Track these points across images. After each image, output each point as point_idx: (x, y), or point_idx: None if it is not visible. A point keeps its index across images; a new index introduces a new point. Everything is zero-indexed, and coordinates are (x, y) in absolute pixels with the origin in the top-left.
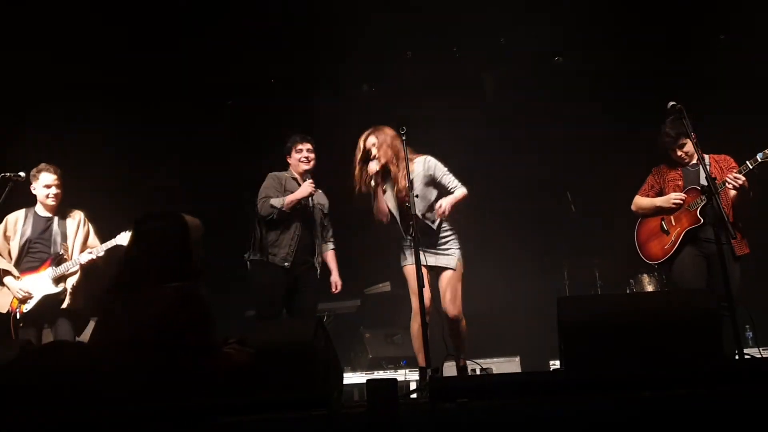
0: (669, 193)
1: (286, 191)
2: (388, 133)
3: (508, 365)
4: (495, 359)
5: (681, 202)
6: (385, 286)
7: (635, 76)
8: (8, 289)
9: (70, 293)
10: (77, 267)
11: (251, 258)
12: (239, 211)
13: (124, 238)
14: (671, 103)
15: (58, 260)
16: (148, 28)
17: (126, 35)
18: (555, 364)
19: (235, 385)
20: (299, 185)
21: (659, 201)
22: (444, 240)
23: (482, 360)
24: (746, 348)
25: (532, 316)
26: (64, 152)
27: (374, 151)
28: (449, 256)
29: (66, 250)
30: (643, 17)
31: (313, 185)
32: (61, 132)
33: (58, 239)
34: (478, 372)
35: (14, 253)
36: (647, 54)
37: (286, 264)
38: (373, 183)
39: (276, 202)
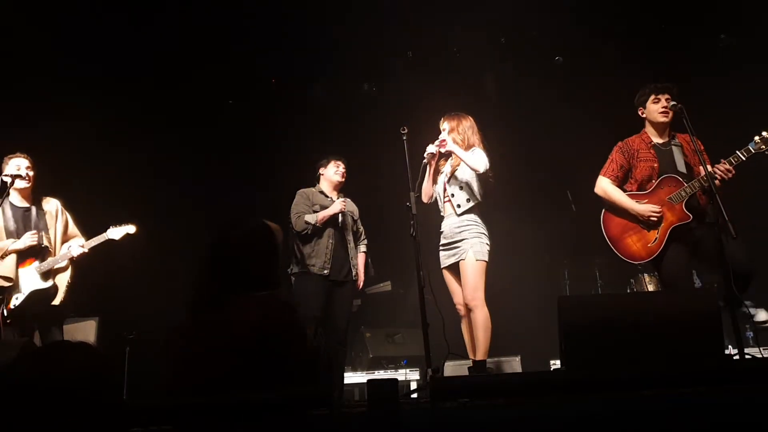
0: (639, 175)
1: (314, 205)
2: (464, 122)
3: (508, 365)
4: (496, 359)
5: (657, 217)
6: (386, 286)
7: (636, 75)
8: None
9: (65, 291)
10: (66, 261)
11: (293, 271)
12: (239, 211)
13: (115, 233)
14: (672, 102)
15: (43, 253)
16: (148, 26)
17: (123, 30)
18: (556, 363)
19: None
20: (326, 197)
21: (638, 209)
22: (461, 230)
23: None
24: (747, 348)
25: (533, 315)
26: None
27: (443, 135)
28: (462, 249)
29: (50, 242)
30: (644, 17)
31: (344, 203)
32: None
33: (38, 230)
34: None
35: None
36: (647, 53)
37: (325, 272)
38: (425, 159)
39: (310, 218)
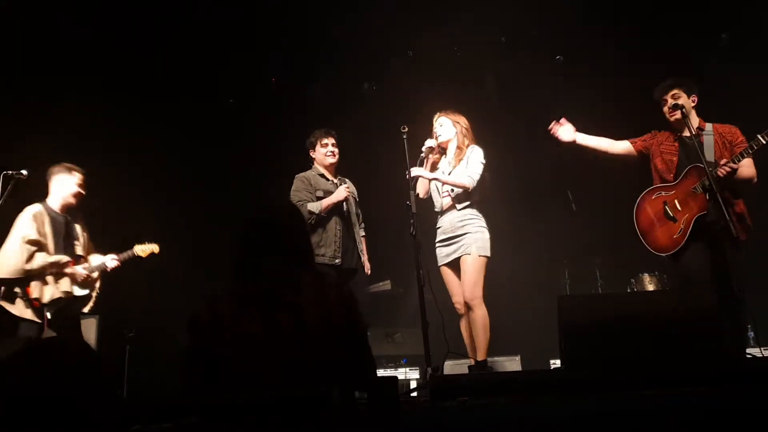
0: (658, 164)
1: (317, 190)
2: (457, 119)
3: (508, 364)
4: (495, 358)
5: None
6: (386, 285)
7: (636, 74)
8: (68, 276)
9: (95, 298)
10: (98, 272)
11: None
12: (238, 209)
13: (141, 251)
14: (673, 102)
15: (78, 262)
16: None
17: (126, 33)
18: (555, 363)
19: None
20: (327, 180)
21: (603, 144)
22: (463, 223)
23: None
24: (747, 348)
25: (533, 315)
26: (63, 152)
27: (438, 129)
28: (465, 243)
29: (83, 251)
30: (644, 16)
31: (348, 189)
32: (62, 132)
33: (73, 240)
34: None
35: (51, 249)
36: (648, 53)
37: (336, 261)
38: (423, 154)
39: (313, 207)
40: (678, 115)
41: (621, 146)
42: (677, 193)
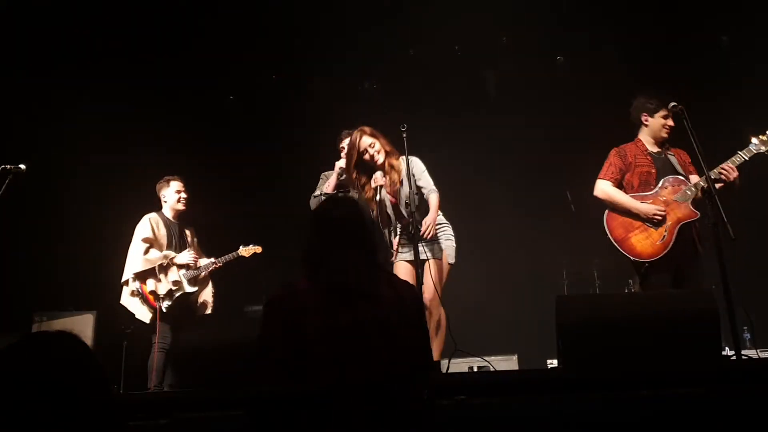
0: (636, 180)
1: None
2: (376, 133)
3: (506, 363)
4: (493, 357)
5: (661, 217)
6: None
7: (636, 75)
8: (178, 265)
9: (212, 302)
10: (206, 272)
11: None
12: (238, 208)
13: (245, 252)
14: (672, 103)
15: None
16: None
17: (128, 31)
18: (553, 362)
19: None
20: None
21: (642, 208)
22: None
23: (480, 358)
24: (744, 349)
25: (531, 314)
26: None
27: (375, 155)
28: (434, 250)
29: (195, 253)
30: (645, 17)
31: (342, 167)
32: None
33: (186, 243)
34: (475, 369)
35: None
36: (648, 54)
37: None
38: (378, 196)
39: (318, 191)
40: (667, 132)
41: (616, 191)
42: (656, 201)
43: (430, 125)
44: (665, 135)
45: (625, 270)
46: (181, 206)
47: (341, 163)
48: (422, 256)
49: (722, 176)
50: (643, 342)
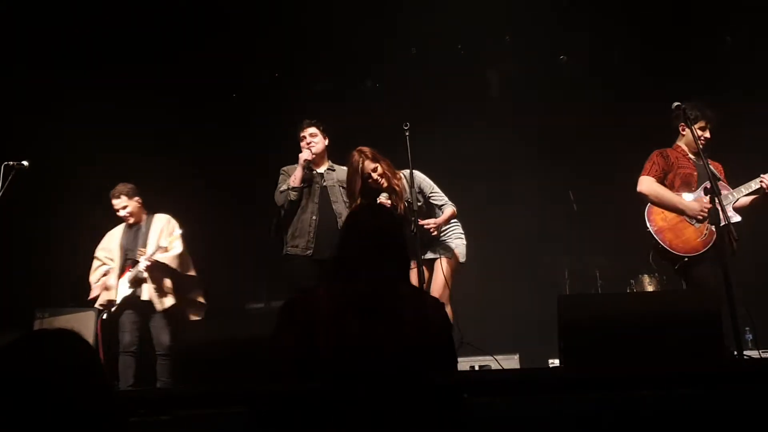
0: (676, 181)
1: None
2: (377, 156)
3: (507, 362)
4: (494, 356)
5: (704, 216)
6: None
7: (639, 76)
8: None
9: (155, 295)
10: (143, 269)
11: (283, 253)
12: (238, 206)
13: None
14: (675, 103)
15: (135, 264)
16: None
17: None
18: (554, 362)
19: None
20: (309, 170)
21: (688, 205)
22: (444, 233)
23: (481, 357)
24: (746, 350)
25: (532, 314)
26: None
27: (379, 179)
28: (445, 248)
29: (141, 255)
30: (647, 17)
31: (310, 150)
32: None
33: (139, 245)
34: (476, 368)
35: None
36: (651, 54)
37: (308, 252)
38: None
39: (283, 186)
40: (703, 144)
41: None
42: (699, 201)
43: (433, 124)
44: (701, 146)
45: (626, 270)
46: (130, 220)
47: (306, 155)
48: (433, 255)
49: (762, 184)
50: (645, 342)
